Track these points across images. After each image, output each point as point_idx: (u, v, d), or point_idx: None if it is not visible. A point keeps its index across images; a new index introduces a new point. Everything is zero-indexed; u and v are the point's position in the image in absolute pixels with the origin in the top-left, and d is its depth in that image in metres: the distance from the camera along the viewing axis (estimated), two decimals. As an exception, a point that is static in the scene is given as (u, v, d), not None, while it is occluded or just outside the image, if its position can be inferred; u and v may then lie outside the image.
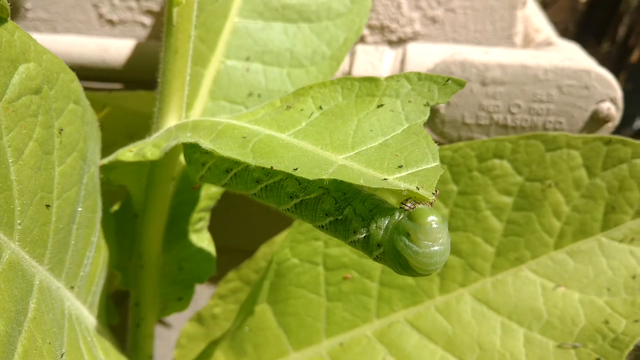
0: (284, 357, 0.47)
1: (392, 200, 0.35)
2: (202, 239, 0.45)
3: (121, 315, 0.47)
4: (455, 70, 0.50)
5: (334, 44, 0.47)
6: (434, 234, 0.26)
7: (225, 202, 0.49)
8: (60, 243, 0.32)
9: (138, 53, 0.57)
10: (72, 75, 0.31)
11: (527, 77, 0.48)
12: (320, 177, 0.27)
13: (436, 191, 0.27)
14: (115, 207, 0.43)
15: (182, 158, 0.41)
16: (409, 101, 0.33)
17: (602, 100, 0.48)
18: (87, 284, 0.37)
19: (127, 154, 0.35)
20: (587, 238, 0.42)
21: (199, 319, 0.56)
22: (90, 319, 0.38)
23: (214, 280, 0.63)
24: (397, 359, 0.44)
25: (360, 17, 0.47)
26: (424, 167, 0.28)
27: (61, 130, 0.31)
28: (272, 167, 0.27)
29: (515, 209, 0.43)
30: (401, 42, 0.58)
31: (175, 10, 0.35)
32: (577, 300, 0.42)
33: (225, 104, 0.45)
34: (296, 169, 0.27)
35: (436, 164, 0.28)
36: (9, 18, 0.27)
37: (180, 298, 0.45)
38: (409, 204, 0.27)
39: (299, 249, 0.45)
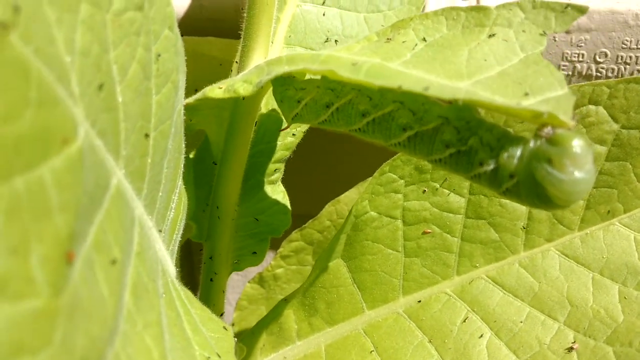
0: (358, 315, 0.45)
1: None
2: (277, 191, 0.43)
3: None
4: (536, 17, 0.48)
5: (413, -12, 0.44)
6: (581, 159, 0.24)
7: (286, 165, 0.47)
8: (154, 179, 0.30)
9: (197, 6, 0.55)
10: (168, -1, 0.29)
11: (615, 23, 0.45)
12: (455, 97, 0.24)
13: (575, 116, 0.25)
14: (192, 155, 0.41)
15: (261, 105, 0.40)
16: (523, 30, 0.31)
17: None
18: (170, 230, 0.35)
19: (216, 90, 0.33)
20: (688, 189, 0.40)
21: (260, 280, 0.54)
22: (171, 267, 0.36)
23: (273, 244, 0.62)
24: (481, 317, 0.42)
25: (439, -40, 0.45)
26: (553, 94, 0.26)
27: (159, 55, 0.29)
28: (399, 86, 0.25)
29: (609, 159, 0.41)
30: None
31: (266, -63, 0.33)
32: (678, 254, 0.40)
33: (301, 50, 0.42)
34: (427, 88, 0.25)
35: (565, 91, 0.26)
36: None
37: (254, 252, 0.43)
38: (545, 130, 0.25)
39: (378, 201, 0.43)
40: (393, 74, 0.27)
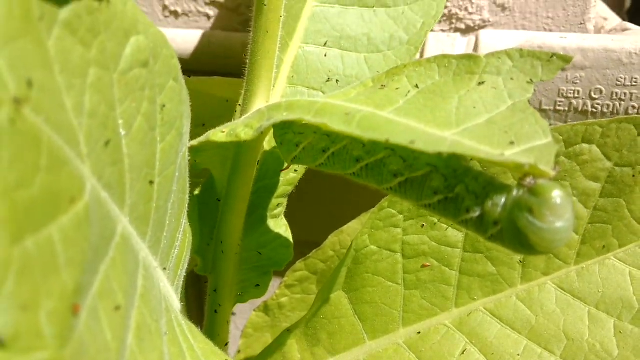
0: (359, 346, 0.46)
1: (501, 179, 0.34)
2: (280, 225, 0.45)
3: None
4: (532, 55, 0.49)
5: (411, 29, 0.46)
6: (560, 209, 0.25)
7: (291, 193, 0.48)
8: (159, 222, 0.32)
9: (205, 43, 0.58)
10: (173, 51, 0.31)
11: (609, 61, 0.46)
12: (439, 150, 0.26)
13: (556, 166, 0.26)
14: (196, 192, 0.43)
15: (264, 143, 0.41)
16: (511, 78, 0.32)
17: (688, 85, 0.46)
18: (175, 267, 0.37)
19: (219, 134, 0.35)
20: (681, 225, 0.41)
21: (265, 308, 0.56)
22: (176, 302, 0.38)
23: (278, 272, 0.63)
24: (479, 349, 0.43)
25: (437, 2, 0.47)
26: (537, 144, 0.27)
27: (163, 106, 0.30)
28: (386, 140, 0.26)
29: (603, 196, 0.42)
30: (469, 30, 0.57)
31: (267, -11, 0.35)
32: (671, 289, 0.40)
33: (303, 90, 0.44)
34: (413, 142, 0.26)
35: (549, 140, 0.28)
36: (123, -11, 0.26)
37: (257, 285, 0.44)
38: (528, 180, 0.26)
39: (378, 235, 0.45)
40: (383, 125, 0.29)
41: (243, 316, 0.72)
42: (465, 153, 0.26)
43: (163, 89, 0.31)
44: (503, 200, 0.27)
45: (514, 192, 0.26)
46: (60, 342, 0.19)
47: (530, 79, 0.32)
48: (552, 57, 0.32)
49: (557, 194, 0.25)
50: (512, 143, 0.28)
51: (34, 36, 0.21)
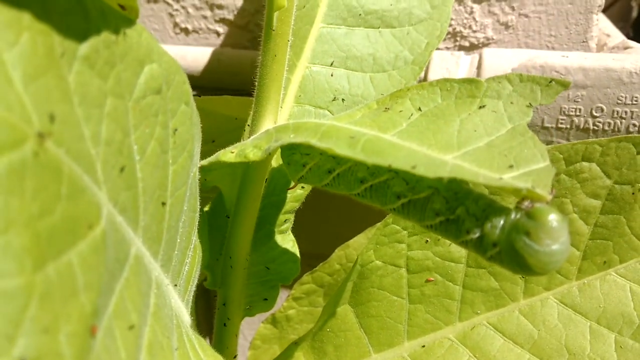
0: (365, 359, 0.47)
1: (501, 201, 0.35)
2: (287, 240, 0.46)
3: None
4: (535, 74, 0.50)
5: (416, 49, 0.47)
6: (556, 233, 0.26)
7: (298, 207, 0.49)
8: (170, 241, 0.33)
9: (215, 60, 0.59)
10: (185, 77, 0.33)
11: (610, 80, 0.47)
12: (439, 176, 0.27)
13: (553, 190, 0.27)
14: (206, 209, 0.44)
15: (272, 160, 0.42)
16: (511, 102, 0.33)
17: (688, 103, 0.47)
18: (185, 283, 0.38)
19: (229, 154, 0.36)
20: (680, 242, 0.42)
21: (273, 320, 0.57)
22: (187, 317, 0.39)
23: (285, 285, 0.64)
24: (482, 363, 0.44)
25: (441, 22, 0.48)
26: (535, 167, 0.28)
27: (175, 130, 0.32)
28: (389, 165, 0.28)
29: (603, 213, 0.43)
30: (473, 48, 0.58)
31: (275, 14, 0.36)
32: (671, 306, 0.41)
33: (310, 109, 0.45)
34: (414, 167, 0.27)
35: (547, 163, 0.29)
36: (137, 19, 0.28)
37: (265, 298, 0.45)
38: (525, 203, 0.27)
39: (383, 251, 0.46)
40: (386, 149, 0.30)
41: (251, 327, 0.73)
42: (464, 178, 0.27)
43: (175, 114, 0.32)
44: (502, 222, 0.28)
45: (512, 215, 0.27)
46: (79, 362, 0.20)
47: (530, 103, 0.33)
48: (550, 82, 0.33)
49: (553, 218, 0.26)
50: (511, 166, 0.29)
51: (56, 72, 0.22)
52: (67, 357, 0.19)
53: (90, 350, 0.21)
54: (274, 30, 0.36)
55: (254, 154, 0.35)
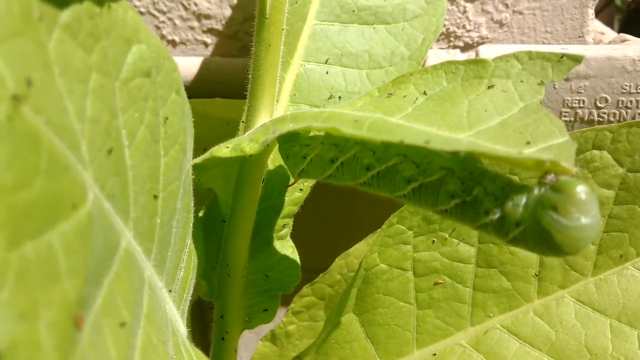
0: (372, 371, 0.44)
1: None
2: (286, 247, 0.43)
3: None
4: (535, 67, 0.49)
5: (412, 45, 0.46)
6: (586, 205, 0.24)
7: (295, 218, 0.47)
8: (163, 239, 0.30)
9: (204, 69, 0.57)
10: (175, 64, 0.31)
11: (613, 69, 0.46)
12: (456, 149, 0.25)
13: (577, 163, 0.25)
14: (200, 214, 0.42)
15: (268, 162, 0.40)
16: (521, 81, 0.32)
17: (694, 91, 0.46)
18: (180, 290, 0.35)
19: (224, 150, 0.34)
20: (700, 230, 0.40)
21: (272, 337, 0.54)
22: (182, 327, 0.36)
23: (284, 300, 0.61)
24: (499, 368, 0.41)
25: (437, 17, 0.46)
26: (555, 142, 0.26)
27: (166, 119, 0.30)
28: (401, 141, 0.25)
29: (617, 203, 0.41)
30: (467, 47, 0.57)
31: (268, 1, 0.34)
32: (695, 297, 0.39)
33: (305, 107, 0.43)
34: (428, 142, 0.25)
35: (566, 138, 0.27)
36: (124, -3, 0.26)
37: (265, 309, 0.43)
38: (549, 177, 0.25)
39: (388, 253, 0.43)
40: (394, 128, 0.28)
41: (248, 347, 0.70)
42: (483, 152, 0.25)
43: (165, 102, 0.30)
44: (524, 199, 0.25)
45: (536, 191, 0.25)
46: (60, 356, 0.17)
47: (541, 81, 0.31)
48: (561, 57, 0.31)
49: (581, 190, 0.24)
50: (528, 142, 0.27)
51: (34, 36, 0.20)
52: (47, 349, 0.17)
53: (75, 344, 0.18)
54: (267, 19, 0.35)
55: (250, 148, 0.33)
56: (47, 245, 0.18)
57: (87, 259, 0.20)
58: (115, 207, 0.24)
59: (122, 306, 0.23)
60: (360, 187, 0.32)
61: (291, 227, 0.44)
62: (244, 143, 0.33)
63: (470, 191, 0.27)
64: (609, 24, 1.43)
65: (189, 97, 0.59)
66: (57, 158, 0.19)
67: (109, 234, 0.23)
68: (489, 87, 0.32)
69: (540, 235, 0.25)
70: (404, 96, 0.33)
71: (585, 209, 0.24)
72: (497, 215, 0.26)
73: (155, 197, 0.29)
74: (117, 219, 0.24)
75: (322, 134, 0.33)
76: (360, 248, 0.52)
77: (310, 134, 0.34)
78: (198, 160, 0.35)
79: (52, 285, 0.18)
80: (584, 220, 0.24)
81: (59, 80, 0.21)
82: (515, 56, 0.32)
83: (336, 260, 0.52)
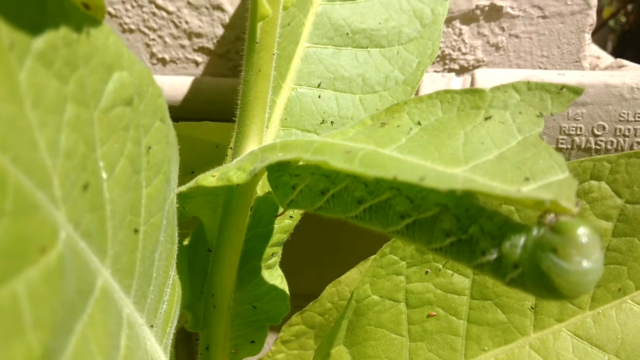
0: (363, 406, 0.43)
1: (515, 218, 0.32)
2: (275, 276, 0.42)
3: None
4: (531, 93, 0.48)
5: (407, 69, 0.45)
6: (587, 248, 0.22)
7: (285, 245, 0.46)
8: (144, 274, 0.29)
9: (194, 89, 0.56)
10: (159, 90, 0.29)
11: (611, 97, 0.45)
12: (452, 188, 0.24)
13: (578, 202, 0.24)
14: (185, 242, 0.40)
15: (257, 188, 0.39)
16: (520, 112, 0.31)
17: (693, 120, 0.45)
18: (163, 324, 0.34)
19: (209, 179, 0.32)
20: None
21: (260, 367, 0.52)
22: (164, 363, 0.34)
23: (273, 327, 0.59)
24: (494, 405, 0.40)
25: (433, 40, 0.46)
26: (555, 179, 0.25)
27: (149, 148, 0.28)
28: (394, 177, 0.24)
29: (615, 235, 0.40)
30: (463, 70, 0.56)
31: (259, 25, 0.33)
32: (695, 334, 0.38)
33: (297, 132, 0.42)
34: (423, 179, 0.24)
35: (566, 175, 0.25)
36: (104, 21, 0.25)
37: (252, 341, 0.41)
38: (549, 218, 0.24)
39: (380, 284, 0.42)
40: (388, 162, 0.27)
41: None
42: (480, 190, 0.24)
43: (149, 130, 0.28)
44: (523, 240, 0.24)
45: (535, 231, 0.24)
46: (23, 418, 0.16)
47: (540, 113, 0.30)
48: (561, 89, 0.30)
49: (583, 232, 0.23)
50: (527, 179, 0.26)
51: (2, 67, 0.18)
52: (6, 412, 0.15)
53: (40, 403, 0.17)
54: (257, 43, 0.34)
55: (237, 177, 0.32)
56: (11, 295, 0.17)
57: (56, 307, 0.19)
58: (91, 245, 0.23)
59: (95, 353, 0.21)
60: (352, 220, 0.30)
61: (280, 256, 0.43)
62: (231, 172, 0.32)
63: (466, 229, 0.26)
64: (603, 44, 1.43)
65: (179, 117, 0.58)
66: (24, 198, 0.18)
67: (84, 274, 0.22)
68: (486, 119, 0.31)
69: (539, 278, 0.23)
70: (398, 126, 0.32)
71: (587, 252, 0.22)
72: (494, 256, 0.25)
73: (136, 230, 0.27)
74: (93, 258, 0.23)
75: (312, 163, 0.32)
76: (351, 275, 0.50)
77: (301, 163, 0.33)
78: (183, 188, 0.34)
79: (15, 340, 0.16)
80: (586, 264, 0.22)
81: (30, 113, 0.19)
82: (514, 86, 0.31)
83: (327, 287, 0.51)
